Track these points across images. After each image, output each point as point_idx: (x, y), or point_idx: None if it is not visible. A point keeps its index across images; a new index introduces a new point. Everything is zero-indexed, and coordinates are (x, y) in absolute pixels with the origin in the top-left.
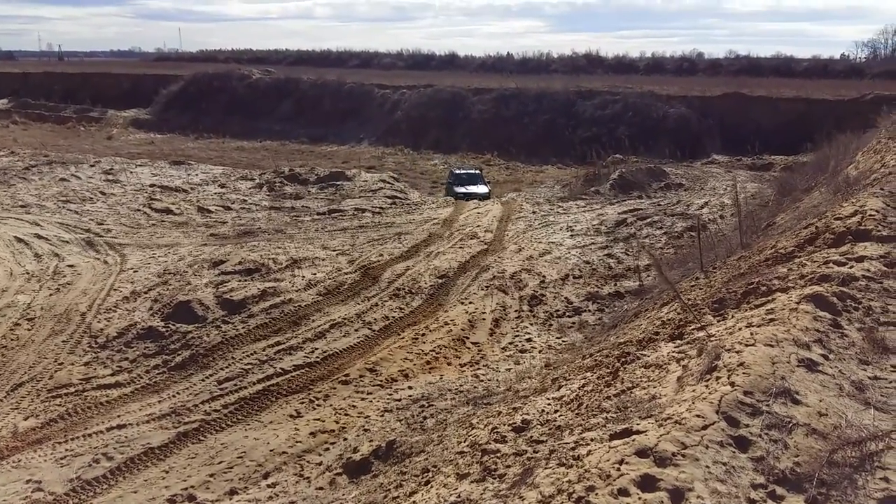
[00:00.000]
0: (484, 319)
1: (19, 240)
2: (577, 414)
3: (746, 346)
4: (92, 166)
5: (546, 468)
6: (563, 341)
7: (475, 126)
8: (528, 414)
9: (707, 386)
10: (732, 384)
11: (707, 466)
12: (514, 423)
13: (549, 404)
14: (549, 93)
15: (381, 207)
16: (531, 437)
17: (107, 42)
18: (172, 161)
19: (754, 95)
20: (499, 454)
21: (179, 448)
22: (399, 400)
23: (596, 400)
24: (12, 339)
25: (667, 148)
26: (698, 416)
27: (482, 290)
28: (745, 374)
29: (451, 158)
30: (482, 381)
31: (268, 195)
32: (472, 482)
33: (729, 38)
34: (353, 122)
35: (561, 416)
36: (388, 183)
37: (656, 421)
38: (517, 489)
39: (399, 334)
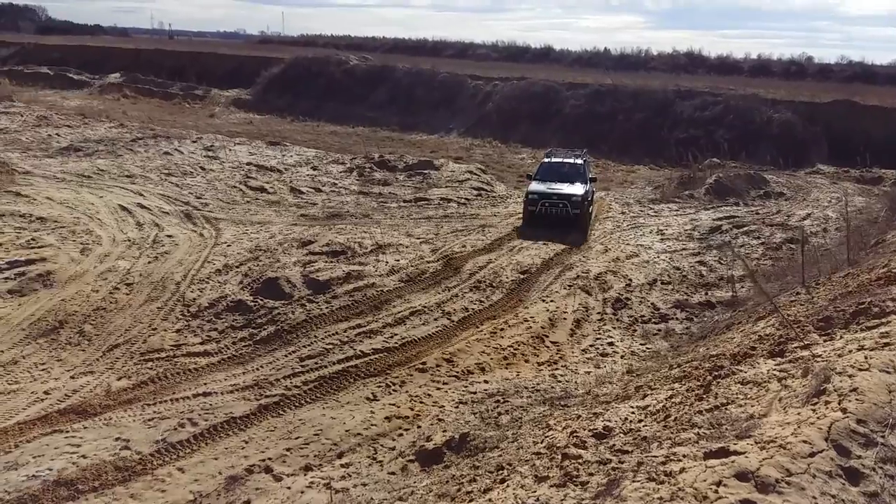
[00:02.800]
0: (565, 319)
1: (123, 208)
2: (664, 426)
3: (860, 370)
4: (194, 142)
5: (634, 481)
6: (648, 348)
7: (567, 121)
8: (609, 421)
9: (814, 410)
10: (844, 410)
11: (814, 497)
12: (595, 429)
13: (632, 413)
14: (646, 91)
15: (466, 199)
16: (614, 445)
17: (214, 23)
18: (269, 141)
19: (867, 104)
20: (580, 460)
21: (260, 420)
22: (474, 393)
23: (686, 413)
24: (111, 303)
25: (768, 154)
26: (805, 441)
27: (565, 288)
28: (859, 401)
29: (540, 154)
30: (560, 381)
31: (357, 180)
32: (551, 486)
33: (841, 42)
34: (444, 112)
35: (646, 426)
36: (475, 174)
37: (756, 443)
38: (602, 500)
39: (478, 327)
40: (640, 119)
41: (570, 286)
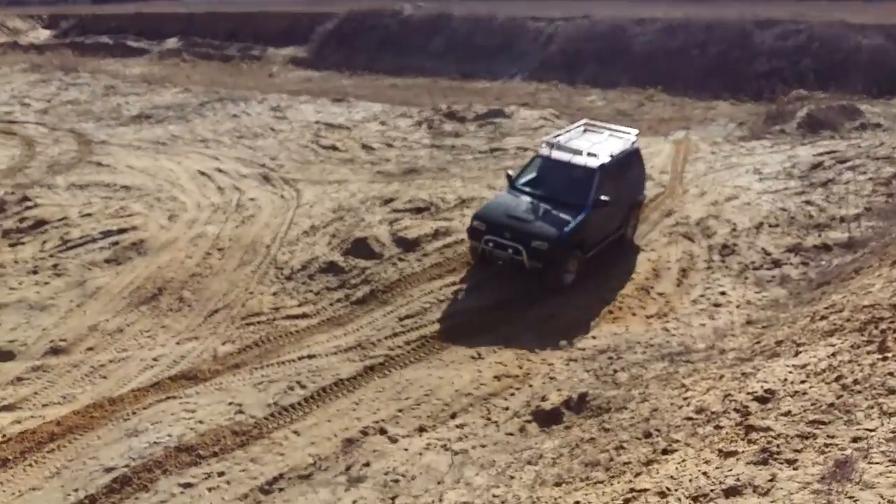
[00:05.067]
0: (669, 269)
1: (202, 173)
2: (844, 388)
3: None
4: (259, 103)
5: (871, 463)
6: (763, 296)
7: (637, 59)
8: (766, 382)
9: None
10: None
11: None
12: (754, 392)
13: (790, 373)
14: (721, 22)
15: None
16: (789, 412)
17: None
18: (333, 98)
19: None
20: (772, 433)
21: (367, 381)
22: (583, 349)
23: (868, 374)
24: (206, 268)
25: (859, 83)
26: None
27: (665, 236)
28: None
29: (610, 94)
30: (674, 335)
31: (427, 133)
32: (749, 463)
33: None
34: (505, 57)
35: (814, 388)
36: (549, 121)
37: None
38: (835, 484)
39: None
40: (716, 53)
41: (670, 234)
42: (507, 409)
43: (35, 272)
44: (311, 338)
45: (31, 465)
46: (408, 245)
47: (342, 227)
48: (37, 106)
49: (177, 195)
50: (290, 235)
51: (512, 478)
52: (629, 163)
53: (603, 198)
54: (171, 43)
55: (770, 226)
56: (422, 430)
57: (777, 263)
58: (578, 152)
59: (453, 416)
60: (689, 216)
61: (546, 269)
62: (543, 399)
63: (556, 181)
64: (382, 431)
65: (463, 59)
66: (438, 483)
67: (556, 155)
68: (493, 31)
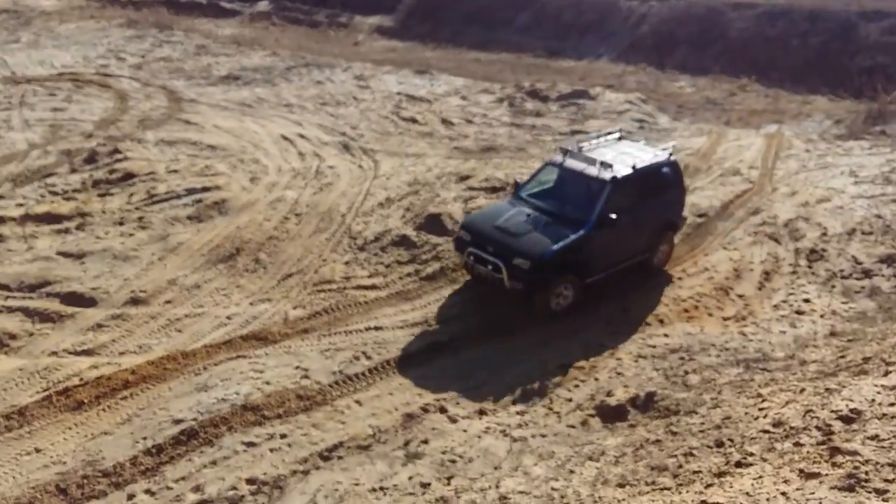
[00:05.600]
0: (751, 270)
1: (285, 138)
2: None
3: None
4: (344, 71)
5: None
6: (851, 308)
7: (732, 46)
8: (852, 401)
9: None
10: None
11: None
12: (839, 411)
13: (878, 393)
14: (825, 11)
15: (627, 131)
16: (877, 435)
17: None
18: (416, 70)
19: None
20: (860, 458)
21: (431, 358)
22: (654, 347)
23: None
24: (283, 232)
25: None
26: None
27: (749, 236)
28: None
29: (700, 81)
30: (751, 340)
31: (508, 110)
32: (832, 488)
33: None
34: (593, 36)
35: None
36: (635, 105)
37: None
38: None
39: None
40: (817, 44)
41: (755, 233)
42: (570, 400)
43: (121, 223)
44: (379, 310)
45: (104, 409)
46: None
47: (417, 202)
48: (131, 61)
49: (259, 158)
50: (365, 206)
51: (572, 472)
52: (660, 179)
53: (612, 216)
54: (262, 6)
55: (863, 233)
56: (482, 413)
57: (868, 274)
58: (592, 162)
59: (514, 402)
60: (777, 216)
61: (527, 292)
62: (609, 394)
63: (563, 192)
64: (443, 410)
65: (549, 35)
66: (495, 468)
67: (569, 163)
68: (582, 9)
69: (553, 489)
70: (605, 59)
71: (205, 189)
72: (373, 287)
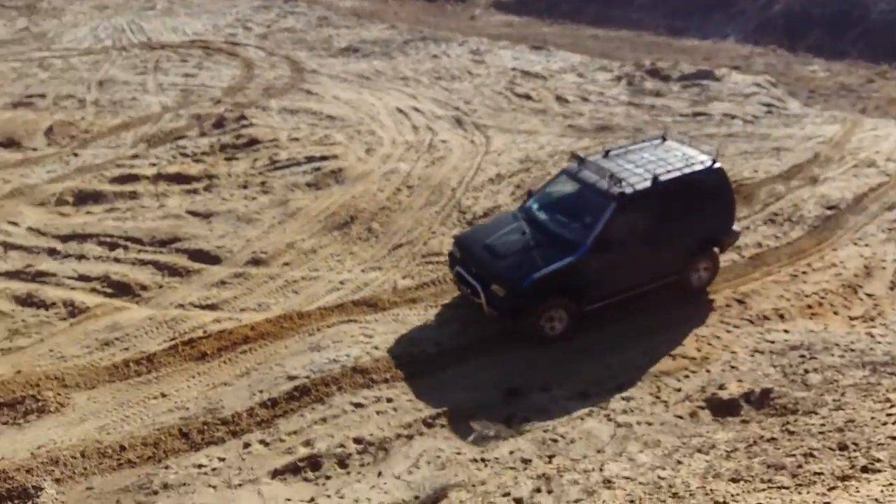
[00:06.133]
0: (884, 268)
1: (400, 110)
2: None
3: None
4: (460, 45)
5: None
6: None
7: (872, 29)
8: None
9: None
10: None
11: None
12: None
13: None
14: None
15: (754, 116)
16: None
17: None
18: (532, 45)
19: None
20: None
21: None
22: (772, 342)
23: None
24: (395, 203)
25: None
26: None
27: (883, 232)
28: None
29: (835, 66)
30: (879, 342)
31: (626, 89)
32: None
33: None
34: (719, 15)
35: None
36: (764, 88)
37: None
38: None
39: (774, 267)
40: None
41: (889, 230)
42: (678, 390)
43: (245, 187)
44: None
45: (225, 362)
46: None
47: (527, 179)
48: (257, 30)
49: (375, 129)
50: (475, 181)
51: (679, 462)
52: (697, 189)
53: (616, 238)
54: None
55: None
56: (585, 395)
57: None
58: (605, 174)
59: (620, 387)
60: None
61: (506, 320)
62: (721, 387)
63: (569, 207)
64: (545, 389)
65: (672, 13)
66: (598, 452)
67: (582, 174)
68: None
69: (660, 477)
70: (732, 40)
71: (323, 158)
72: None
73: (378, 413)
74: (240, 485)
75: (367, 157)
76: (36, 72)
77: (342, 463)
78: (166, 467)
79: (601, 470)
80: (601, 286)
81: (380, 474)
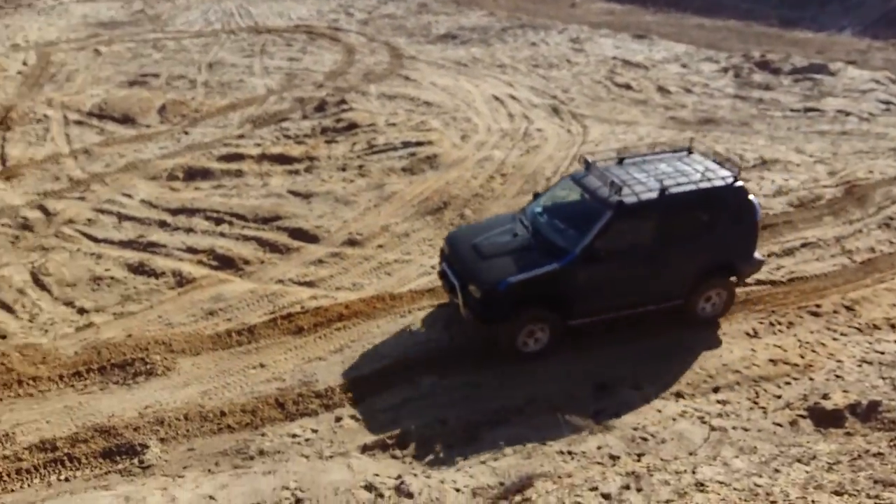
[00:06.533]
0: None
1: (496, 98)
2: None
3: None
4: (559, 33)
5: None
6: None
7: None
8: None
9: None
10: None
11: None
12: None
13: None
14: None
15: (870, 113)
16: None
17: None
18: (634, 34)
19: None
20: None
21: (631, 335)
22: (882, 353)
23: None
24: (488, 191)
25: None
26: None
27: None
28: None
29: None
30: None
31: (733, 81)
32: None
33: None
34: (836, 6)
35: None
36: (882, 84)
37: None
38: None
39: (887, 273)
40: None
41: None
42: (778, 397)
43: (343, 169)
44: None
45: (320, 337)
46: None
47: None
48: (358, 16)
49: (471, 116)
50: (570, 171)
51: (777, 471)
52: (711, 208)
53: (609, 250)
54: None
55: None
56: (679, 395)
57: None
58: (607, 181)
59: (716, 389)
60: None
61: (480, 324)
62: (825, 397)
63: (569, 213)
64: (637, 387)
65: (784, 3)
66: (690, 454)
67: (587, 179)
68: None
69: (756, 485)
70: (849, 33)
71: (419, 143)
72: None
73: (466, 397)
74: (331, 457)
75: (462, 144)
76: (150, 52)
77: (428, 443)
78: (262, 435)
79: (693, 472)
80: (589, 301)
81: (465, 457)
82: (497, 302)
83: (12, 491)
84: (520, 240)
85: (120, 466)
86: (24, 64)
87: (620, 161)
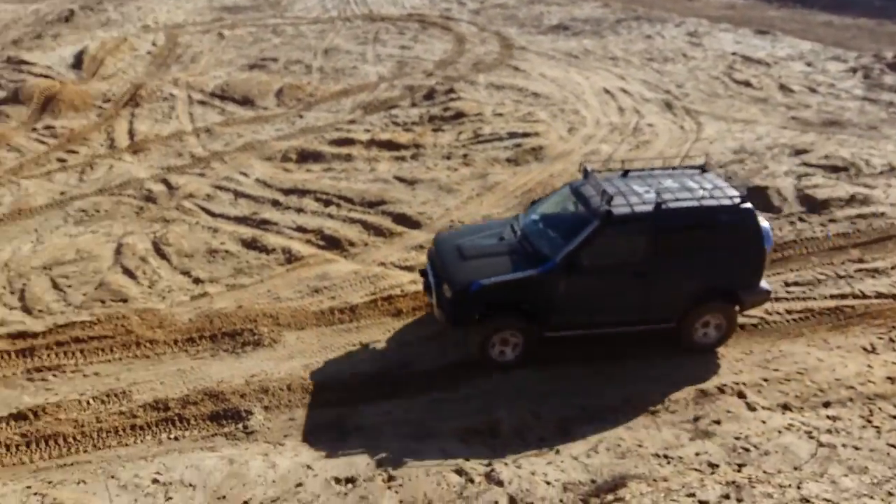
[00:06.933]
0: None
1: (606, 91)
2: None
3: None
4: (676, 26)
5: None
6: None
7: None
8: None
9: None
10: None
11: None
12: None
13: None
14: None
15: None
16: None
17: None
18: (756, 29)
19: None
20: None
21: (735, 340)
22: None
23: None
24: None
25: None
26: None
27: None
28: None
29: None
30: None
31: (862, 83)
32: None
33: None
34: None
35: None
36: None
37: None
38: None
39: None
40: None
41: None
42: (895, 417)
43: (448, 158)
44: None
45: (418, 321)
46: (813, 206)
47: (741, 171)
48: (470, 6)
49: (579, 109)
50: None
51: (891, 494)
52: (711, 229)
53: (593, 261)
54: None
55: None
56: (786, 407)
57: None
58: (600, 191)
59: (826, 405)
60: None
61: (451, 325)
62: None
63: (556, 221)
64: (741, 395)
65: None
66: (795, 469)
67: (583, 188)
68: None
69: None
70: None
71: (525, 134)
72: None
73: (560, 391)
74: (424, 438)
75: (569, 137)
76: (270, 37)
77: (520, 434)
78: (359, 411)
79: (799, 488)
80: (567, 313)
81: (557, 452)
82: (467, 303)
83: (126, 445)
84: (504, 244)
85: (225, 430)
86: (154, 45)
87: (625, 174)
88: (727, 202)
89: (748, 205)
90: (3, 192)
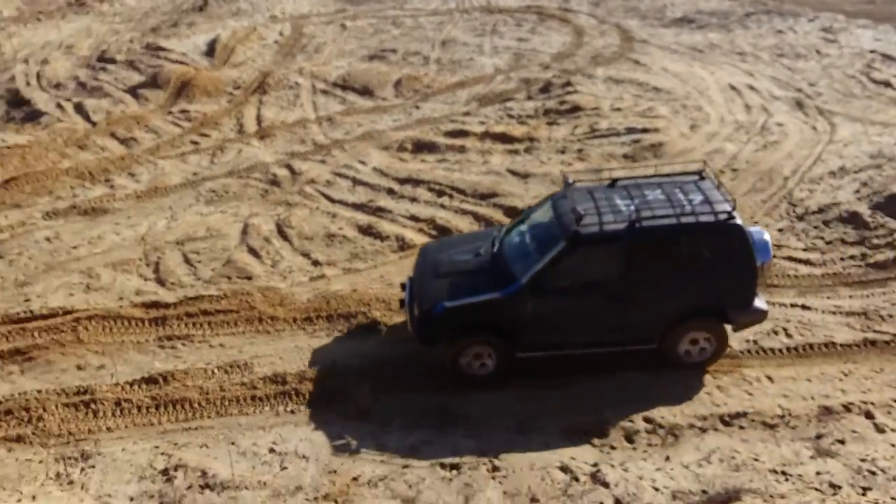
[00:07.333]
0: None
1: (732, 87)
2: None
3: None
4: (810, 21)
5: None
6: None
7: None
8: None
9: None
10: None
11: None
12: None
13: None
14: None
15: None
16: None
17: None
18: None
19: None
20: None
21: (864, 355)
22: None
23: None
24: None
25: None
26: None
27: None
28: None
29: None
30: None
31: None
32: None
33: None
34: None
35: None
36: None
37: None
38: None
39: None
40: None
41: None
42: None
43: (562, 152)
44: (809, 287)
45: None
46: None
47: (878, 178)
48: None
49: (703, 105)
50: (813, 172)
51: None
52: (694, 246)
53: (562, 282)
54: None
55: None
56: None
57: None
58: (572, 207)
59: None
60: None
61: (420, 343)
62: None
63: (532, 237)
64: (868, 415)
65: None
66: None
67: (561, 203)
68: None
69: None
70: None
71: (644, 130)
72: (807, 262)
73: (674, 397)
74: (528, 432)
75: (691, 134)
76: (389, 28)
77: (629, 437)
78: (465, 400)
79: None
80: (538, 334)
81: (667, 459)
82: (433, 324)
83: (246, 414)
84: (478, 261)
85: (337, 407)
86: (280, 34)
87: (612, 183)
88: (709, 218)
89: (735, 219)
90: (142, 171)
